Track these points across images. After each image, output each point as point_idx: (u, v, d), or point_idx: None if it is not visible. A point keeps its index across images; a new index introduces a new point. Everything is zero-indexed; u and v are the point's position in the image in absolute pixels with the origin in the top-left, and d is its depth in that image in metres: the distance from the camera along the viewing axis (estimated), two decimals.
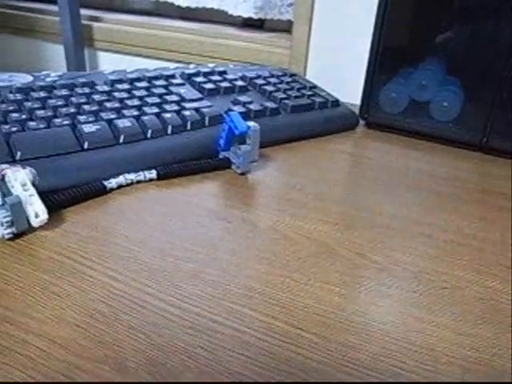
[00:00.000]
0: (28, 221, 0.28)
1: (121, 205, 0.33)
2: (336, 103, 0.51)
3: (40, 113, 0.37)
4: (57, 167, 0.33)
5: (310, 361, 0.21)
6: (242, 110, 0.44)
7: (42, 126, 0.36)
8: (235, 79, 0.50)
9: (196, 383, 0.19)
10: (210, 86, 0.47)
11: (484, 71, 0.46)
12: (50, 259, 0.27)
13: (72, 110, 0.38)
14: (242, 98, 0.46)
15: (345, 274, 0.27)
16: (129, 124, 0.38)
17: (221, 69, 0.52)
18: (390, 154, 0.46)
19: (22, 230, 0.28)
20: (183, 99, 0.43)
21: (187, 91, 0.45)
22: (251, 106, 0.45)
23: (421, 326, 0.24)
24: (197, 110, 0.42)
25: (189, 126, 0.40)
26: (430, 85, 0.49)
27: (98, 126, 0.37)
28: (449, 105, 0.49)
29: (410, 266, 0.28)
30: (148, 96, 0.43)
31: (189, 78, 0.49)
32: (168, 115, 0.40)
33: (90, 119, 0.38)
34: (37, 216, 0.28)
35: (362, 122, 0.53)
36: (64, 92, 0.41)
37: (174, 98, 0.43)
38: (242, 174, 0.38)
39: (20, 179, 0.29)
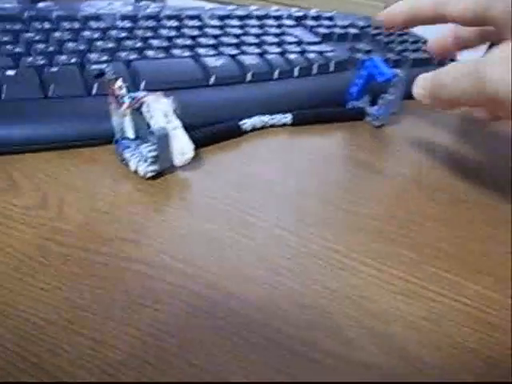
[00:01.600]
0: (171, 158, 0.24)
1: (258, 149, 0.28)
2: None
3: (155, 42, 0.33)
4: (183, 102, 0.29)
5: None
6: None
7: (161, 55, 0.32)
8: (346, 26, 0.45)
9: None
10: (323, 30, 0.42)
11: None
12: (206, 205, 0.23)
13: (188, 42, 0.34)
14: (361, 46, 0.41)
15: None
16: (255, 61, 0.33)
17: (327, 14, 0.47)
18: None
19: (165, 168, 0.24)
20: (302, 41, 0.39)
21: (303, 34, 0.40)
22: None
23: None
24: (320, 53, 0.37)
25: (315, 70, 0.36)
26: None
27: (222, 61, 0.32)
28: None
29: None
30: (264, 35, 0.38)
31: (297, 21, 0.44)
32: (293, 56, 0.35)
33: (211, 53, 0.33)
34: (182, 153, 0.24)
35: None
36: (173, 23, 0.37)
37: (292, 39, 0.38)
38: (379, 126, 0.33)
39: (163, 109, 0.25)
